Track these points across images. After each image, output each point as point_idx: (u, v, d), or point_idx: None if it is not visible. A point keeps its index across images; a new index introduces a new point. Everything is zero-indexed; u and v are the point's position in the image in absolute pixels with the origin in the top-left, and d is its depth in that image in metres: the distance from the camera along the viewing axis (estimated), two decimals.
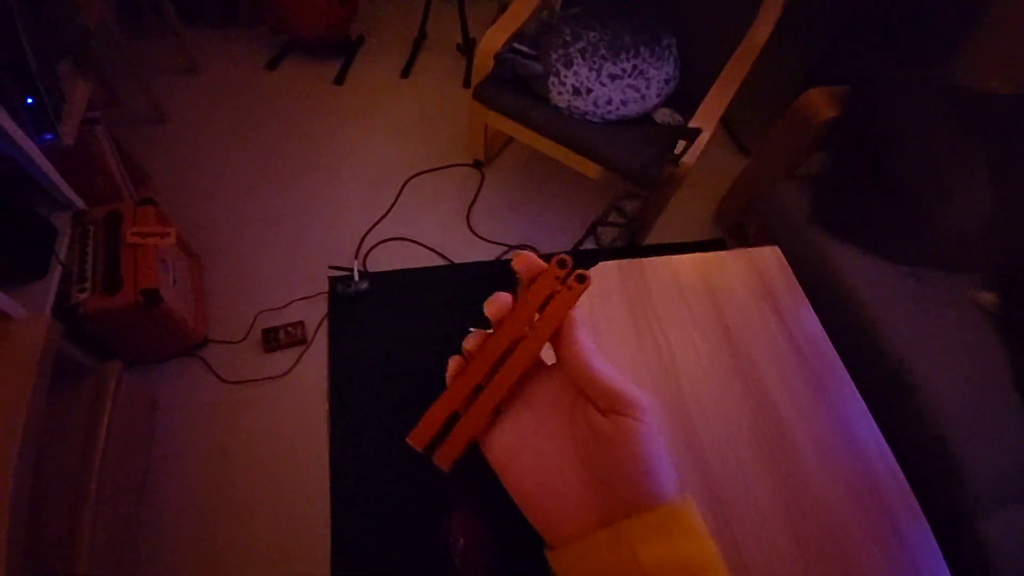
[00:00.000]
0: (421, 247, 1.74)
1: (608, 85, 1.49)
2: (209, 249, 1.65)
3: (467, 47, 2.27)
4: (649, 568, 0.23)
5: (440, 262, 1.71)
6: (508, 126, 1.59)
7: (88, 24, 1.44)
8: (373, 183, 1.87)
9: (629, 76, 1.50)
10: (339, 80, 2.16)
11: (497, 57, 1.50)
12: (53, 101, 1.27)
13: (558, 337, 0.28)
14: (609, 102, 1.51)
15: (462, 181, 1.92)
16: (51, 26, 1.31)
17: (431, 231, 1.78)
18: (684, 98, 1.61)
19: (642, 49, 1.50)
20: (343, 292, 1.57)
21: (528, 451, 0.28)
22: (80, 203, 1.33)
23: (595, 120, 1.53)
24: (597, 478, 0.26)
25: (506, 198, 1.89)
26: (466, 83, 2.23)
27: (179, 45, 1.99)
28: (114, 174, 1.49)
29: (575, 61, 1.46)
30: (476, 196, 1.88)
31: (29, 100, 1.20)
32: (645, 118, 1.59)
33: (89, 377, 1.15)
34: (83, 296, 1.19)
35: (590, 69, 1.47)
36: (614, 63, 1.48)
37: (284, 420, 1.40)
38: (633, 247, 1.81)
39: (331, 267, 1.65)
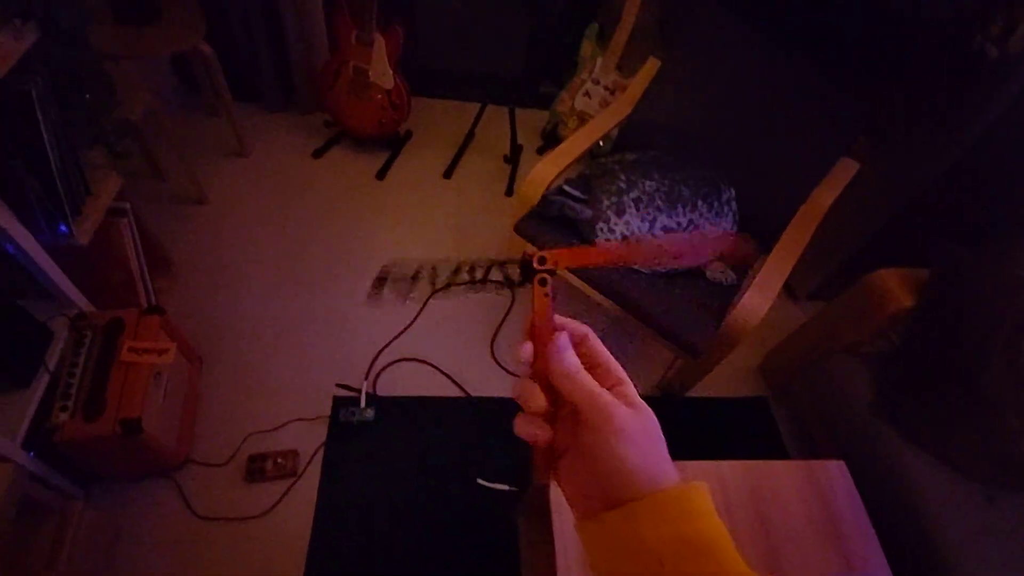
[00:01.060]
0: (437, 371, 1.61)
1: (661, 237, 1.38)
2: (215, 349, 1.55)
3: (514, 156, 2.23)
4: (652, 544, 0.26)
5: (456, 392, 1.57)
6: None
7: (131, 117, 1.42)
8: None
9: (684, 230, 1.39)
10: (381, 175, 2.13)
11: (545, 197, 1.41)
12: (74, 195, 1.22)
13: (547, 362, 0.31)
14: None
15: (491, 300, 1.81)
16: (85, 119, 1.29)
17: (451, 355, 1.65)
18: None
19: (700, 203, 1.41)
20: (345, 420, 1.43)
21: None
22: (84, 304, 1.25)
23: (644, 272, 1.42)
24: (598, 477, 0.29)
25: None
26: (508, 191, 2.17)
27: (231, 126, 1.99)
28: (131, 267, 1.43)
29: (627, 210, 1.37)
30: (504, 319, 1.76)
31: (41, 194, 1.15)
32: (697, 272, 1.47)
33: (51, 515, 1.02)
34: (62, 418, 1.08)
35: (643, 220, 1.37)
36: (669, 216, 1.38)
37: (257, 567, 1.23)
38: (669, 399, 1.64)
39: (338, 384, 1.52)
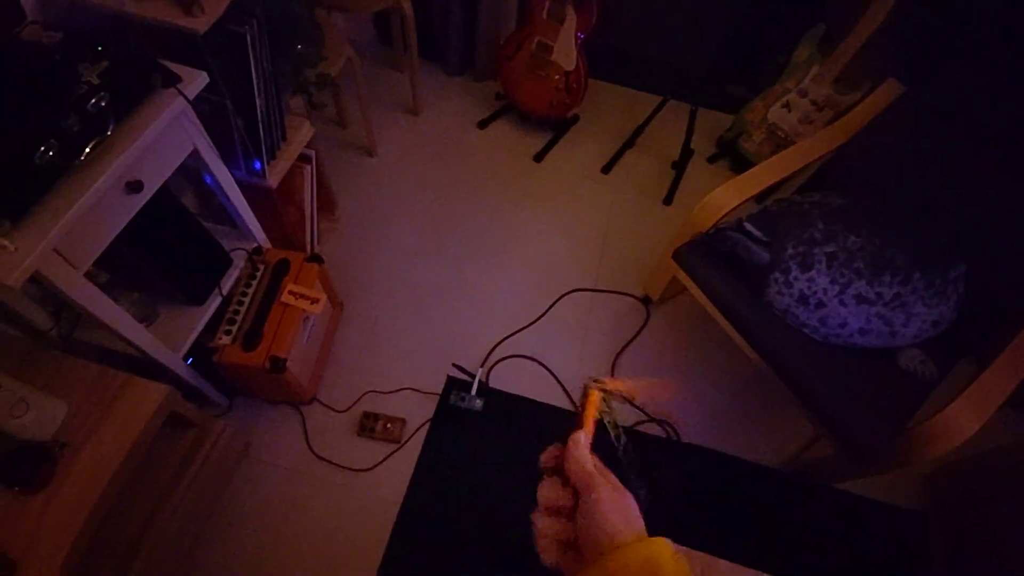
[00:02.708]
0: (552, 377, 1.55)
1: (849, 307, 1.15)
2: (356, 298, 1.64)
3: (682, 162, 2.04)
4: None
5: (565, 403, 1.51)
6: (703, 300, 1.33)
7: (332, 72, 1.49)
8: (531, 284, 1.73)
9: (884, 305, 1.15)
10: (539, 157, 2.06)
11: (720, 229, 1.25)
12: (272, 139, 1.32)
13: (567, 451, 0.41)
14: (843, 325, 1.17)
15: (623, 314, 1.69)
16: (293, 68, 1.36)
17: (569, 362, 1.58)
18: (949, 342, 1.21)
19: (916, 276, 1.14)
20: (454, 403, 1.44)
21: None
22: (262, 239, 1.36)
23: (815, 337, 1.21)
24: (587, 537, 0.37)
25: (666, 354, 1.63)
26: (668, 199, 1.99)
27: (411, 84, 2.04)
28: (305, 209, 1.54)
29: (817, 265, 1.16)
30: (633, 339, 1.64)
31: (244, 135, 1.25)
32: (884, 353, 1.22)
33: (193, 428, 1.16)
34: (225, 340, 1.21)
35: (832, 281, 1.15)
36: (869, 283, 1.14)
37: (350, 517, 1.31)
38: (798, 483, 1.42)
39: (455, 365, 1.54)
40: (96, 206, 0.84)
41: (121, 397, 0.94)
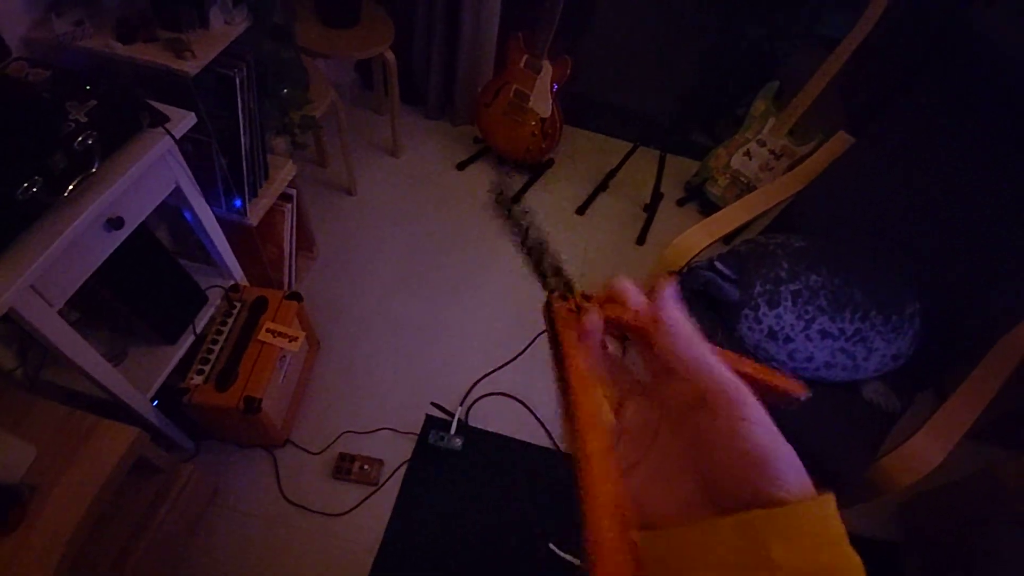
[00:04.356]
0: (532, 415, 1.55)
1: (815, 341, 1.21)
2: (333, 336, 1.62)
3: (653, 204, 2.13)
4: (783, 567, 0.19)
5: (546, 442, 1.51)
6: None
7: (316, 113, 1.52)
8: (509, 322, 1.74)
9: (846, 340, 1.21)
10: (516, 198, 2.12)
11: (692, 268, 1.31)
12: (254, 178, 1.33)
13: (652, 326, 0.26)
14: (809, 359, 1.22)
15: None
16: (279, 110, 1.40)
17: (549, 399, 1.59)
18: (910, 375, 1.27)
19: (874, 313, 1.22)
20: (433, 443, 1.42)
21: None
22: (240, 276, 1.35)
23: (784, 371, 1.25)
24: (709, 481, 0.24)
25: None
26: (640, 239, 2.07)
27: (391, 127, 2.10)
28: (284, 248, 1.53)
29: (783, 303, 1.22)
30: None
31: (227, 172, 1.25)
32: (850, 386, 1.28)
33: (160, 474, 1.11)
34: (197, 380, 1.17)
35: (798, 317, 1.21)
36: (832, 319, 1.21)
37: (326, 564, 1.26)
38: None
39: (433, 403, 1.52)
40: (76, 243, 0.83)
41: (89, 440, 0.90)
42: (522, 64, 1.88)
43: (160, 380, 1.17)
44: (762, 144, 1.96)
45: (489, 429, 1.50)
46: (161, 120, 0.96)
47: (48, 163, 0.79)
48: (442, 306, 1.75)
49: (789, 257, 1.27)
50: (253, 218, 1.33)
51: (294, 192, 1.50)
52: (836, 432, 1.17)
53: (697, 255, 1.37)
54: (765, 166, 1.97)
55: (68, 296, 0.87)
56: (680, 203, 2.23)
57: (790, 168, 1.81)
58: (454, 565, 1.29)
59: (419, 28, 2.03)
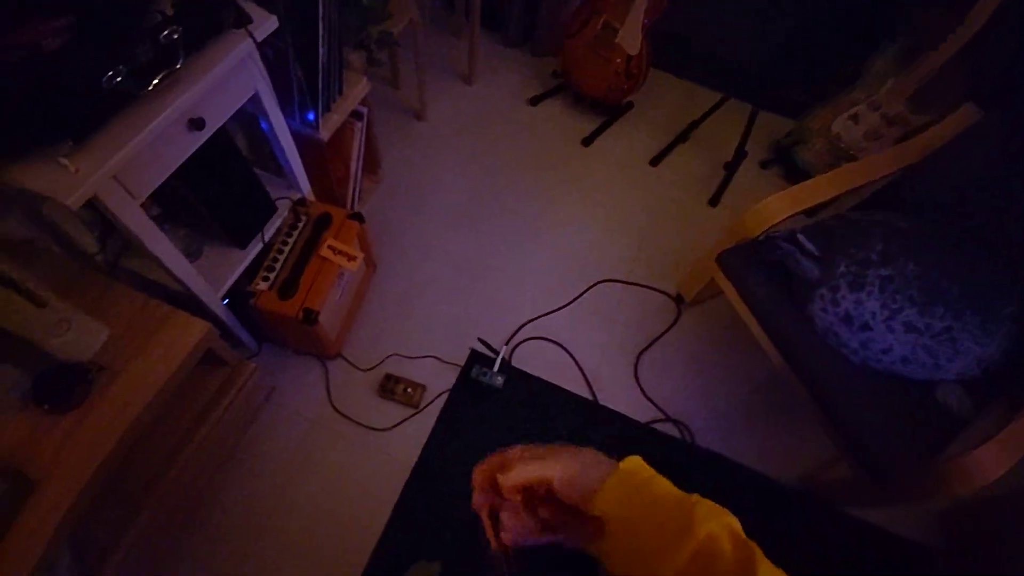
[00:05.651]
0: (575, 364, 1.54)
1: (897, 334, 1.11)
2: (390, 261, 1.65)
3: (734, 164, 1.97)
4: (602, 509, 0.40)
5: (585, 392, 1.51)
6: (740, 307, 1.30)
7: (394, 30, 1.47)
8: (564, 268, 1.71)
9: (932, 337, 1.10)
10: (588, 141, 2.02)
11: (771, 238, 1.21)
12: (329, 92, 1.31)
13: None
14: (886, 352, 1.13)
15: (653, 311, 1.67)
16: (357, 24, 1.35)
17: (593, 351, 1.57)
18: (989, 381, 1.16)
19: (968, 313, 1.10)
20: (475, 377, 1.45)
21: None
22: (307, 190, 1.37)
23: (852, 359, 1.17)
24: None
25: (693, 356, 1.60)
26: (714, 200, 1.94)
27: (468, 52, 2.01)
28: (351, 166, 1.54)
29: (868, 288, 1.12)
30: (659, 337, 1.62)
31: (303, 84, 1.24)
32: (921, 383, 1.18)
33: (225, 367, 1.18)
34: (262, 287, 1.23)
35: (883, 306, 1.11)
36: (921, 313, 1.10)
37: (362, 473, 1.34)
38: (805, 499, 1.41)
39: (480, 339, 1.54)
40: (159, 139, 0.85)
41: (162, 329, 0.96)
42: None
43: (230, 281, 1.23)
44: (875, 107, 1.75)
45: (531, 372, 1.51)
46: (244, 21, 0.94)
47: (133, 53, 0.79)
48: (499, 245, 1.73)
49: (886, 239, 1.15)
50: (324, 133, 1.32)
51: (365, 111, 1.48)
52: (897, 430, 1.10)
53: (777, 225, 1.27)
54: (873, 133, 1.77)
55: (150, 191, 0.90)
56: (764, 165, 2.06)
57: (902, 139, 1.62)
58: None
59: None
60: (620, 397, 1.51)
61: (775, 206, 1.26)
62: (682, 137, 2.05)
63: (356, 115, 1.46)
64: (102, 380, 0.91)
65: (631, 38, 1.77)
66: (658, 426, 1.48)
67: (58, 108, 0.75)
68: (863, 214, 1.25)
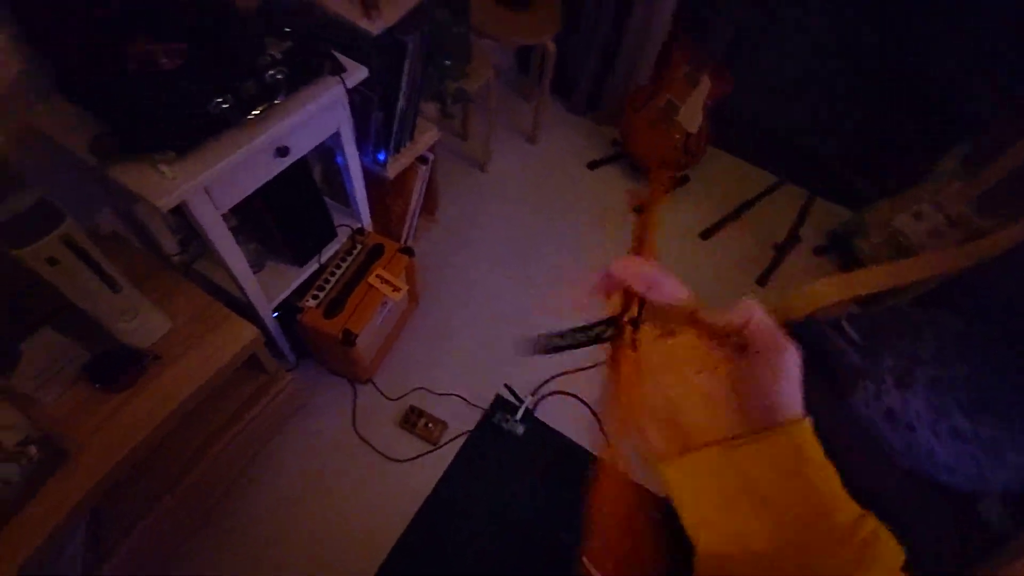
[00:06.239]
0: (598, 426, 1.52)
1: (942, 438, 1.04)
2: (433, 297, 1.71)
3: (785, 246, 1.95)
4: (764, 488, 0.28)
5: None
6: None
7: (470, 88, 1.60)
8: None
9: (980, 445, 1.03)
10: (640, 209, 2.07)
11: (813, 320, 1.19)
12: (401, 136, 1.43)
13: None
14: (930, 456, 1.06)
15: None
16: (437, 78, 1.48)
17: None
18: None
19: (1020, 423, 1.02)
20: (497, 422, 1.45)
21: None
22: (367, 221, 1.47)
23: (893, 459, 1.10)
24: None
25: None
26: (761, 280, 1.92)
27: (536, 115, 2.14)
28: (411, 205, 1.64)
29: (915, 386, 1.06)
30: None
31: (380, 126, 1.36)
32: (967, 497, 1.09)
33: (264, 375, 1.25)
34: (311, 303, 1.30)
35: (929, 407, 1.05)
36: (968, 419, 1.03)
37: (372, 502, 1.35)
38: None
39: (506, 385, 1.55)
40: (248, 161, 0.95)
41: (218, 329, 1.04)
42: (681, 74, 1.81)
43: (283, 295, 1.32)
44: (938, 207, 1.71)
45: (553, 426, 1.50)
46: (339, 70, 1.07)
47: (241, 87, 0.91)
48: (539, 297, 1.77)
49: (939, 337, 1.11)
50: (391, 172, 1.44)
51: (432, 157, 1.59)
52: (931, 537, 1.01)
53: (824, 310, 1.24)
54: (935, 232, 1.72)
55: (232, 204, 1.00)
56: (818, 252, 2.03)
57: (964, 241, 1.57)
58: (484, 544, 1.31)
59: (586, 21, 2.04)
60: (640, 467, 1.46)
61: (824, 289, 1.23)
62: (734, 215, 2.06)
63: (422, 159, 1.58)
64: (154, 368, 0.99)
65: (691, 117, 1.84)
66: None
67: (168, 122, 0.87)
68: (916, 310, 1.21)
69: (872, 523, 0.27)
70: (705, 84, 1.77)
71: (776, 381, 0.29)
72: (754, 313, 0.31)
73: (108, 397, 0.94)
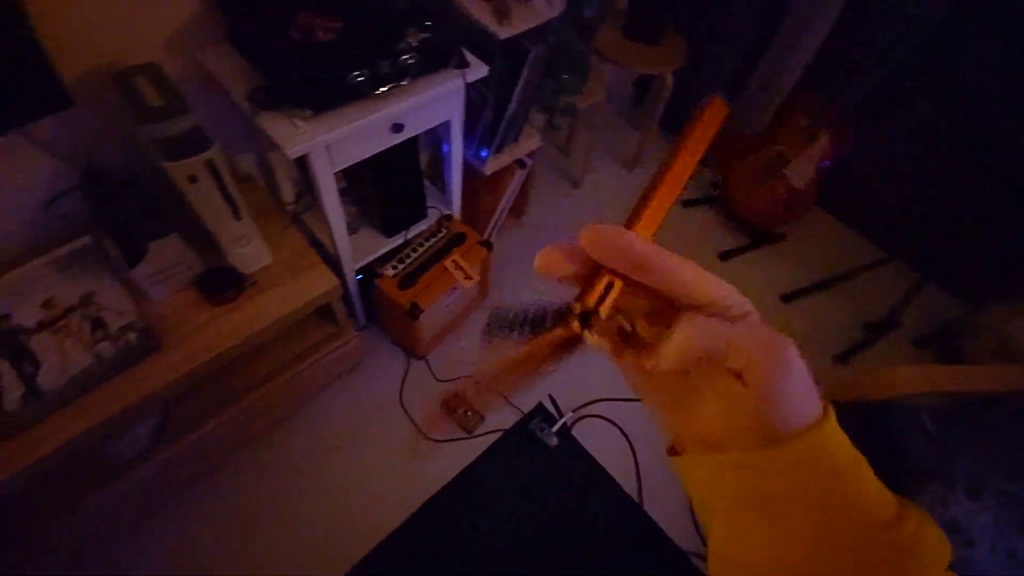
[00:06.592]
0: (632, 460, 1.49)
1: (999, 559, 0.93)
2: (499, 294, 1.76)
3: (879, 329, 1.81)
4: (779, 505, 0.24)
5: (632, 490, 1.44)
6: None
7: (581, 105, 1.65)
8: None
9: None
10: (724, 256, 2.01)
11: (888, 407, 1.10)
12: (505, 138, 1.51)
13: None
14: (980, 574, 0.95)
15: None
16: (551, 90, 1.55)
17: (657, 457, 1.50)
18: None
19: None
20: (532, 430, 1.46)
21: None
22: (457, 209, 1.56)
23: None
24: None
25: None
26: (843, 357, 1.79)
27: (639, 145, 2.16)
28: (500, 204, 1.72)
29: (985, 498, 0.96)
30: None
31: (487, 124, 1.44)
32: None
33: (333, 325, 1.36)
34: (389, 273, 1.40)
35: (995, 523, 0.94)
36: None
37: (395, 473, 1.41)
38: None
39: (550, 396, 1.56)
40: (367, 129, 1.06)
41: (307, 273, 1.16)
42: (799, 128, 1.76)
43: (367, 260, 1.42)
44: None
45: (587, 446, 1.49)
46: (463, 65, 1.16)
47: (378, 65, 1.02)
48: None
49: (1022, 449, 0.99)
50: (488, 169, 1.51)
51: (530, 162, 1.66)
52: None
53: (905, 396, 1.15)
54: None
55: (345, 165, 1.11)
56: (919, 343, 1.86)
57: None
58: (494, 541, 1.32)
59: (710, 63, 2.04)
60: (666, 512, 1.41)
61: (911, 376, 1.14)
62: (826, 284, 1.94)
63: (521, 163, 1.65)
64: (250, 292, 1.11)
65: (801, 173, 1.78)
66: (698, 563, 1.35)
67: (312, 85, 0.99)
68: (1008, 419, 1.09)
69: (914, 522, 0.24)
70: (824, 142, 1.70)
71: (779, 385, 0.24)
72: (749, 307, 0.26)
73: (207, 307, 1.07)
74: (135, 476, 1.12)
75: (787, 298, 1.92)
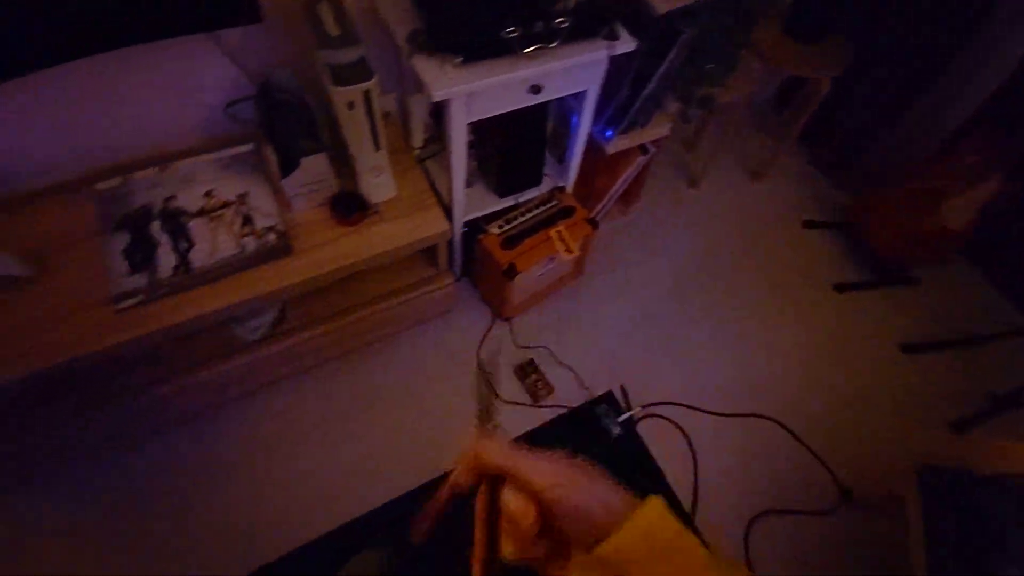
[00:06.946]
0: (692, 470, 1.45)
1: None
2: (593, 276, 1.76)
3: (1005, 402, 1.60)
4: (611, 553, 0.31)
5: (686, 500, 1.40)
6: (915, 533, 1.08)
7: (721, 100, 1.58)
8: (744, 380, 1.61)
9: None
10: (841, 288, 1.86)
11: (995, 482, 0.98)
12: (635, 120, 1.48)
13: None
14: None
15: (806, 483, 1.47)
16: (693, 78, 1.48)
17: (719, 473, 1.45)
18: None
19: None
20: (598, 414, 1.47)
21: None
22: (571, 183, 1.56)
23: None
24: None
25: (826, 550, 1.37)
26: (958, 425, 1.60)
27: (771, 155, 2.03)
28: (614, 186, 1.70)
29: None
30: (800, 512, 1.41)
31: (621, 103, 1.42)
32: None
33: (432, 268, 1.44)
34: (494, 231, 1.45)
35: None
36: None
37: (456, 418, 1.46)
38: None
39: (622, 386, 1.55)
40: (508, 85, 1.09)
41: (423, 212, 1.24)
42: (965, 164, 1.57)
43: (476, 215, 1.47)
44: None
45: (648, 445, 1.47)
46: (613, 37, 1.15)
47: (532, 24, 1.04)
48: (690, 325, 1.72)
49: None
50: (610, 149, 1.50)
51: (653, 150, 1.62)
52: None
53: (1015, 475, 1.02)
54: None
55: (480, 117, 1.16)
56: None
57: None
58: None
59: (877, 72, 1.84)
60: (717, 531, 1.37)
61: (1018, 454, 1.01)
62: (956, 343, 1.74)
63: (643, 149, 1.61)
64: (373, 219, 1.21)
65: (958, 214, 1.59)
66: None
67: (468, 33, 1.03)
68: None
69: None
70: (992, 184, 1.51)
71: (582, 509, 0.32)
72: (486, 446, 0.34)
73: (333, 225, 1.18)
74: (246, 359, 1.27)
75: (908, 349, 1.74)
